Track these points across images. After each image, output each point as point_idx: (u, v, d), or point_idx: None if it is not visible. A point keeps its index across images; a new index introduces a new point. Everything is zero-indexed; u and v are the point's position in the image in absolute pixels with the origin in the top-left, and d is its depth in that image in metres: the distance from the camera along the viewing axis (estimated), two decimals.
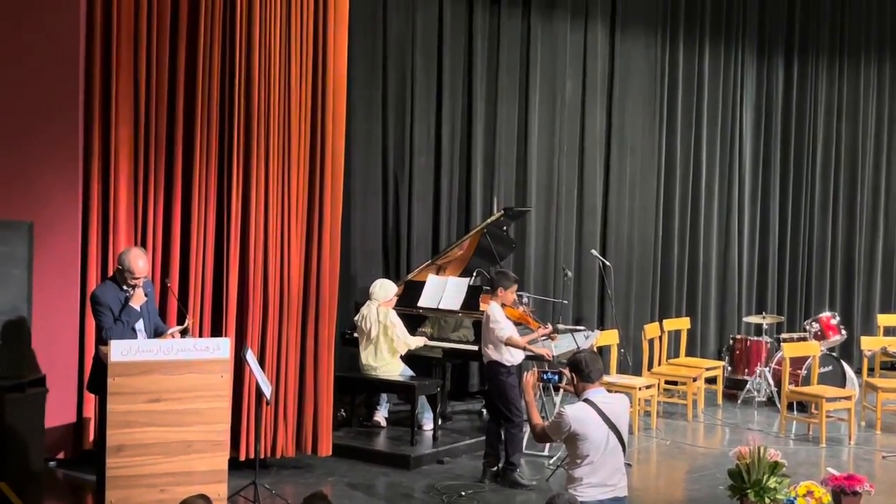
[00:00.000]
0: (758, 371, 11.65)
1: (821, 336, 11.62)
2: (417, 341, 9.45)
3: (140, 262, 7.14)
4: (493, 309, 8.27)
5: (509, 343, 8.20)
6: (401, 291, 9.78)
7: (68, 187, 7.96)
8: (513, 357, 8.31)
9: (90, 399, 7.89)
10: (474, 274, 10.21)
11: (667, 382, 11.27)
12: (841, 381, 10.79)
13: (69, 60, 7.91)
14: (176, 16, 7.99)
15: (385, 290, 9.36)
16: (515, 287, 8.50)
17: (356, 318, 9.43)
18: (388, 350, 9.29)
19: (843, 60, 14.07)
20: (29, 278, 7.59)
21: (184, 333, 7.33)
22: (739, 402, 11.61)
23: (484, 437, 8.70)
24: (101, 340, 7.05)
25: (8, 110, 7.90)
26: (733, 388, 11.92)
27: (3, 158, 7.88)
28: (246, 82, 8.02)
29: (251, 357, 7.55)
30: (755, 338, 12.01)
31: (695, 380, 10.93)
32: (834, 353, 11.37)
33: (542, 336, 8.62)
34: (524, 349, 8.34)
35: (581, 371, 5.86)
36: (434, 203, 11.15)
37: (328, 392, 8.42)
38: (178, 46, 7.99)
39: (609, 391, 6.16)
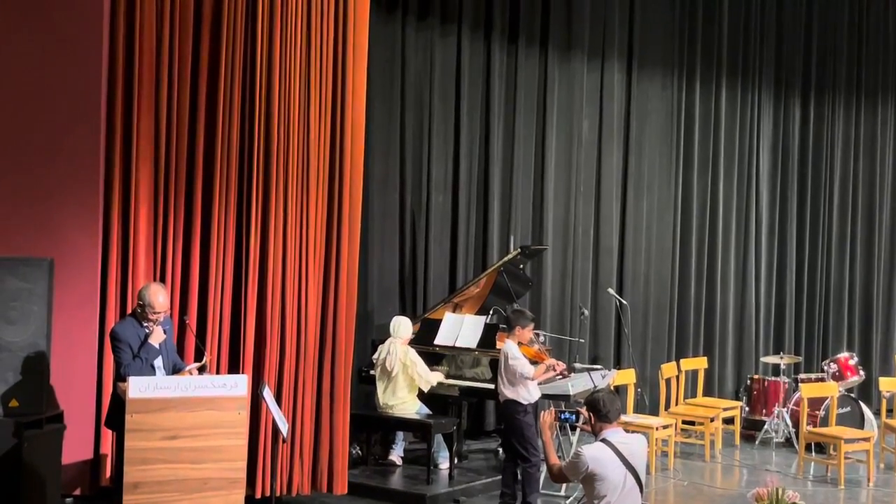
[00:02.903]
0: (776, 412, 11.58)
1: (839, 377, 11.55)
2: (438, 377, 9.47)
3: (160, 296, 7.17)
4: (510, 347, 8.27)
5: (536, 376, 8.20)
6: (417, 329, 9.79)
7: (88, 224, 8.00)
8: (530, 395, 8.29)
9: (107, 435, 7.90)
10: (491, 312, 10.22)
11: (684, 422, 11.21)
12: (859, 423, 10.72)
13: (90, 97, 7.97)
14: (197, 55, 8.07)
15: (407, 329, 9.39)
16: (533, 326, 8.51)
17: (375, 356, 9.43)
18: (407, 388, 9.29)
19: (860, 99, 14.10)
20: (48, 315, 7.62)
21: (201, 370, 7.34)
22: (757, 442, 11.54)
23: (500, 477, 8.67)
24: (120, 377, 7.07)
25: (28, 148, 7.96)
26: (751, 429, 11.85)
27: (23, 195, 7.93)
28: (265, 120, 8.09)
29: (268, 394, 7.55)
30: (773, 378, 11.96)
31: (712, 420, 10.88)
32: (852, 394, 11.31)
33: (556, 374, 8.61)
34: (547, 369, 8.33)
35: (599, 411, 5.84)
36: (451, 241, 11.18)
37: (344, 430, 8.41)
38: (198, 86, 8.06)
39: (626, 431, 6.14)
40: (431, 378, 9.36)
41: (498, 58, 11.42)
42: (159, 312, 7.15)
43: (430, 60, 10.99)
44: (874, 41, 14.14)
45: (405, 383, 9.29)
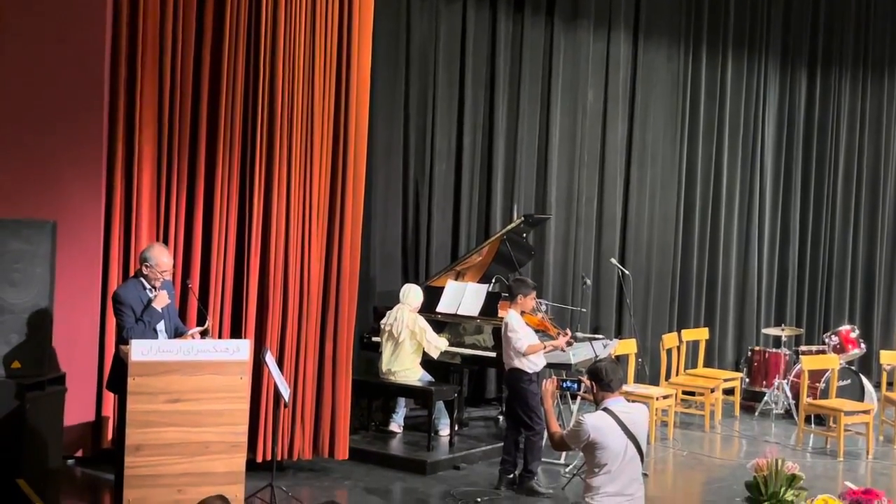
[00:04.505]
0: (776, 383, 11.61)
1: (840, 349, 11.57)
2: (445, 342, 9.51)
3: (164, 256, 7.19)
4: (511, 317, 8.26)
5: (529, 352, 8.19)
6: None
7: (91, 187, 8.01)
8: (534, 364, 8.30)
9: (109, 398, 7.94)
10: (493, 280, 10.22)
11: (684, 393, 11.24)
12: (859, 395, 10.74)
13: (94, 60, 7.96)
14: (201, 18, 8.03)
15: (416, 296, 9.41)
16: (534, 294, 8.51)
17: (383, 322, 9.41)
18: (412, 355, 9.31)
19: (866, 72, 14.04)
20: (51, 277, 7.62)
21: (204, 335, 7.36)
22: (757, 414, 11.58)
23: (500, 444, 8.71)
24: (122, 340, 7.08)
25: (32, 110, 7.95)
26: (751, 400, 11.89)
27: (27, 157, 7.94)
28: (270, 86, 8.06)
29: (270, 359, 7.57)
30: (774, 350, 11.97)
31: (712, 391, 10.90)
32: (853, 367, 11.31)
33: (562, 344, 8.61)
34: (545, 349, 8.33)
35: (601, 380, 5.85)
36: (454, 209, 11.17)
37: (346, 396, 8.44)
38: (202, 48, 8.04)
39: (627, 401, 6.15)
40: (441, 344, 9.39)
41: (503, 26, 11.35)
42: (165, 271, 7.17)
43: (435, 28, 10.93)
44: (882, 14, 14.06)
45: (411, 350, 9.31)
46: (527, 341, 8.21)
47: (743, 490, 7.17)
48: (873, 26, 14.02)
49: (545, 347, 8.35)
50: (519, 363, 8.23)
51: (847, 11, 13.86)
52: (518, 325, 8.24)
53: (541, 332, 8.82)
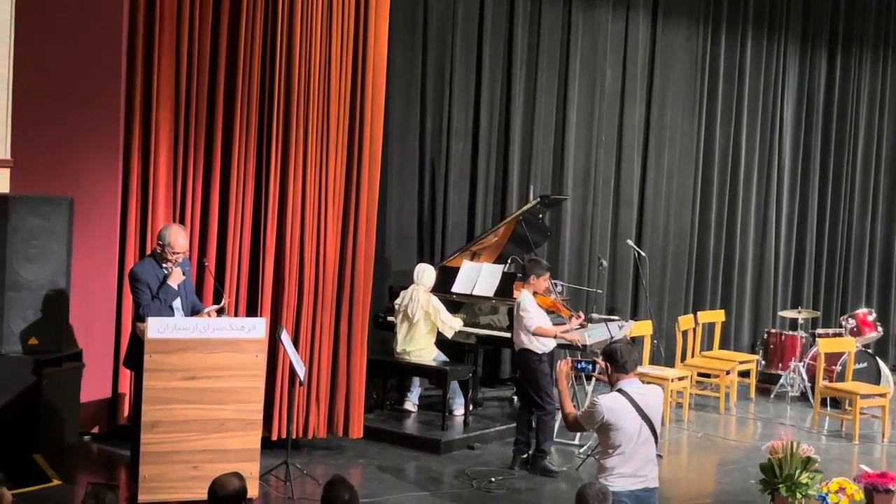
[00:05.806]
0: (792, 366, 11.57)
1: (857, 332, 11.51)
2: (459, 322, 9.51)
3: (180, 238, 7.21)
4: (524, 297, 8.26)
5: (538, 333, 8.19)
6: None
7: (109, 165, 8.03)
8: (543, 345, 8.30)
9: (126, 374, 7.97)
10: (509, 261, 10.21)
11: (699, 375, 11.21)
12: (876, 379, 10.71)
13: (112, 38, 7.97)
14: None
15: (431, 276, 9.41)
16: (548, 275, 8.50)
17: (397, 302, 9.43)
18: (426, 335, 9.32)
19: (886, 54, 13.93)
20: (68, 254, 7.67)
21: (220, 312, 7.38)
22: (772, 396, 11.55)
23: (514, 424, 8.72)
24: (139, 317, 7.12)
25: (50, 87, 7.97)
26: (766, 383, 11.85)
27: (45, 135, 7.96)
28: (286, 65, 8.05)
29: (286, 338, 7.58)
30: (790, 332, 11.93)
31: (728, 373, 10.88)
32: (869, 350, 11.28)
33: (574, 327, 8.60)
34: (554, 337, 8.34)
35: (616, 361, 5.83)
36: (470, 189, 11.14)
37: (360, 375, 8.46)
38: (220, 27, 8.03)
39: (642, 382, 6.14)
40: (455, 324, 9.40)
41: (521, 5, 11.29)
42: (179, 253, 7.19)
43: (452, 7, 10.87)
44: None
45: (425, 330, 9.31)
46: (537, 321, 8.21)
47: (758, 472, 7.20)
48: (894, 7, 13.90)
49: (556, 336, 8.35)
50: (529, 344, 8.23)
51: None
52: (530, 305, 8.24)
53: (553, 313, 8.81)
